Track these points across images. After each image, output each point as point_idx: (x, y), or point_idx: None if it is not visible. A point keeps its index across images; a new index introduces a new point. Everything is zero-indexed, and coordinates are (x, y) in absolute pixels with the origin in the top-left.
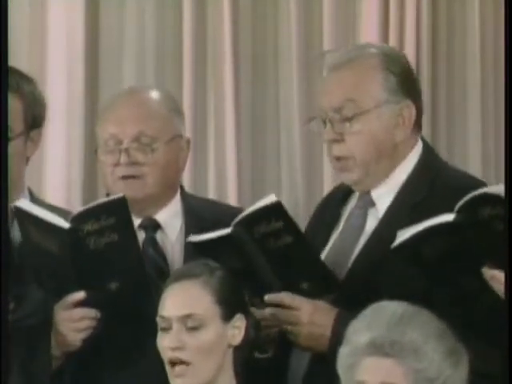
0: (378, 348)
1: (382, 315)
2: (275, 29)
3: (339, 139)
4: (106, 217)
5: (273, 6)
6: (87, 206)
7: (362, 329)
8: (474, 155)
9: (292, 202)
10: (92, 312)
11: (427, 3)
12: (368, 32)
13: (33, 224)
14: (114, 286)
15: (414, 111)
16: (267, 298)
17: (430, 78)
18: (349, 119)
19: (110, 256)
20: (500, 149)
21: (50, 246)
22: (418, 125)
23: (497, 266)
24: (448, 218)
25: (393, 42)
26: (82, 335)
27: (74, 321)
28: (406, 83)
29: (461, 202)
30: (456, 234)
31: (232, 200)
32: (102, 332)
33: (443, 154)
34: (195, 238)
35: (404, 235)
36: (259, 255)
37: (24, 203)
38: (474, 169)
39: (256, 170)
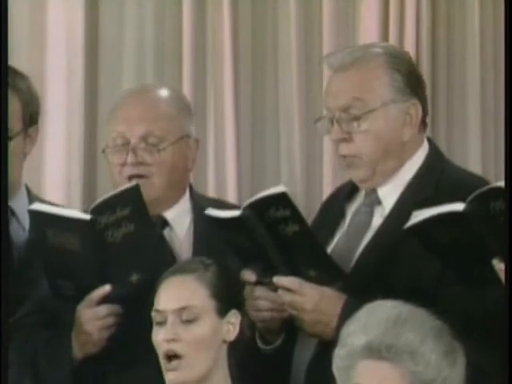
0: (374, 352)
1: (378, 317)
2: (275, 29)
3: (347, 138)
4: (121, 207)
5: (273, 6)
6: (102, 198)
7: (358, 331)
8: (474, 155)
9: None
10: (117, 308)
11: (427, 3)
12: (368, 32)
13: (51, 225)
14: (134, 278)
15: (420, 110)
16: (276, 279)
17: (429, 78)
18: (357, 118)
19: (129, 247)
20: (500, 148)
21: (72, 245)
22: (423, 124)
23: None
24: (458, 207)
25: (393, 41)
26: (107, 333)
27: (99, 318)
28: (412, 82)
29: (473, 194)
30: (465, 224)
31: (232, 200)
32: (123, 328)
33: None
34: (210, 211)
35: (416, 218)
36: (269, 238)
37: (38, 205)
38: (474, 169)
39: (256, 170)
